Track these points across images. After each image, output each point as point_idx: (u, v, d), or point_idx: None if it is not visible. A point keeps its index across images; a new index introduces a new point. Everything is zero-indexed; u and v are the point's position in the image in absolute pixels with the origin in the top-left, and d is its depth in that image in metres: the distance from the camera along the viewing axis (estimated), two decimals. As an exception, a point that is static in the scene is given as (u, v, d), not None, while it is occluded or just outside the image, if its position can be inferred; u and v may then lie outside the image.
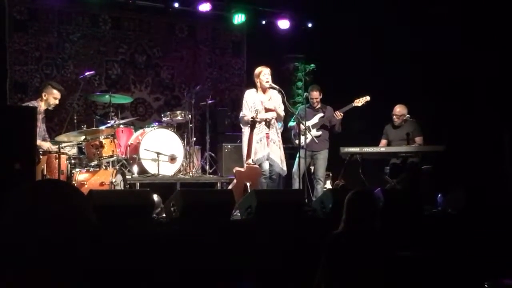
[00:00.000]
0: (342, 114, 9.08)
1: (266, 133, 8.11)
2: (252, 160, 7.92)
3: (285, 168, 8.29)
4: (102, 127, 8.53)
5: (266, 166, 8.11)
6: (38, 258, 1.65)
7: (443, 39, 9.58)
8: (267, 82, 8.15)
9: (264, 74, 8.18)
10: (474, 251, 6.21)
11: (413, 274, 5.26)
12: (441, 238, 6.46)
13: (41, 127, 7.87)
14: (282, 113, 8.32)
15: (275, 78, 8.42)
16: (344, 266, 4.01)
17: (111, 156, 8.06)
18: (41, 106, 7.95)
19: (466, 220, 6.85)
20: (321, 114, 9.18)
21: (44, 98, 8.01)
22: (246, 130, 8.08)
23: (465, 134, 9.22)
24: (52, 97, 8.03)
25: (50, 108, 8.15)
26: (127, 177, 8.18)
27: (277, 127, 8.33)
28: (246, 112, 8.08)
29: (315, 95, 9.22)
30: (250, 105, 8.11)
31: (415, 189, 8.46)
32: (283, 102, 8.24)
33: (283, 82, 8.62)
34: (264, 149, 8.07)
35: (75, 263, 1.72)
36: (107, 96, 9.12)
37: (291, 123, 9.09)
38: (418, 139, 9.13)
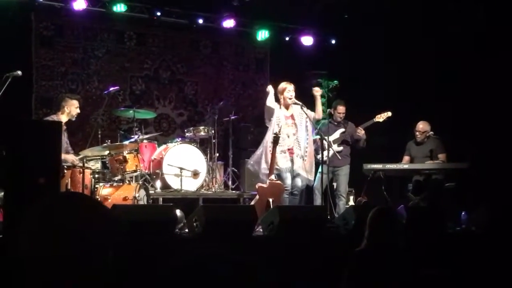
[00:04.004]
0: (363, 130, 9.05)
1: (288, 147, 8.12)
2: (275, 176, 7.92)
3: (311, 178, 8.30)
4: (126, 142, 8.58)
5: (288, 181, 8.10)
6: (62, 269, 1.67)
7: (468, 56, 9.53)
8: (290, 99, 8.18)
9: (288, 90, 8.21)
10: (498, 270, 6.15)
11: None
12: (464, 257, 6.40)
13: (63, 140, 7.94)
14: (312, 113, 8.36)
15: (298, 94, 8.43)
16: (367, 283, 3.99)
17: (135, 171, 8.11)
18: (62, 119, 8.03)
19: (490, 239, 6.78)
20: (343, 130, 9.15)
21: (67, 110, 8.10)
22: (267, 139, 8.09)
23: (489, 151, 9.14)
24: (74, 107, 8.14)
25: (73, 119, 8.24)
26: (150, 192, 8.21)
27: (306, 137, 8.31)
28: (271, 104, 8.13)
29: (342, 109, 9.20)
30: (274, 111, 8.13)
31: (438, 207, 8.39)
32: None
33: (306, 98, 8.61)
34: (287, 161, 8.08)
35: (98, 274, 1.74)
36: (131, 111, 9.19)
37: (313, 138, 9.07)
38: (442, 156, 9.07)
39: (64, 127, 8.16)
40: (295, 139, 8.20)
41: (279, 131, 7.94)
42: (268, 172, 7.94)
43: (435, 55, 9.95)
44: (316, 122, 8.52)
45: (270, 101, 8.15)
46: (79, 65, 10.49)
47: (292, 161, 8.13)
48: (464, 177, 8.69)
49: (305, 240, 6.11)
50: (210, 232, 5.76)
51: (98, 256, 1.71)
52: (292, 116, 8.27)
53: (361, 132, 9.05)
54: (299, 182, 8.19)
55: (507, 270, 6.10)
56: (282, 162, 8.06)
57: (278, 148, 8.01)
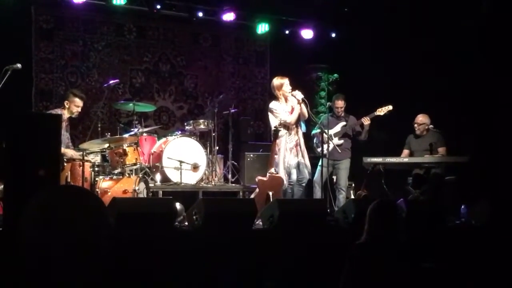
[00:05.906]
0: (369, 120, 9.00)
1: (296, 141, 8.12)
2: (275, 169, 7.91)
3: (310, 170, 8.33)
4: (126, 135, 8.57)
5: (294, 176, 8.09)
6: (61, 257, 1.68)
7: (467, 50, 9.52)
8: (289, 91, 8.16)
9: (286, 85, 8.19)
10: (497, 264, 6.16)
11: (436, 286, 5.23)
12: (464, 250, 6.41)
13: (64, 135, 7.92)
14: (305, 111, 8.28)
15: (298, 88, 8.41)
16: (366, 276, 4.00)
17: (135, 164, 8.10)
18: (65, 114, 8.03)
19: (490, 232, 6.79)
20: (344, 123, 9.15)
21: (67, 106, 8.10)
22: (278, 140, 8.04)
23: (489, 144, 9.14)
24: (74, 105, 8.10)
25: (73, 116, 8.23)
26: (150, 185, 8.21)
27: (302, 131, 8.32)
28: (284, 117, 8.07)
29: (340, 103, 9.19)
30: (281, 112, 8.10)
31: (438, 200, 8.39)
32: (307, 112, 8.21)
33: (306, 91, 8.59)
34: (294, 157, 8.07)
35: (96, 263, 1.75)
36: (131, 105, 9.18)
37: (314, 131, 9.07)
38: (441, 150, 9.05)
39: (66, 123, 8.15)
40: (297, 131, 8.20)
41: (279, 125, 7.92)
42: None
43: (436, 48, 9.92)
44: (316, 116, 8.50)
45: (282, 115, 8.11)
46: (79, 58, 10.48)
47: (297, 154, 8.13)
48: (464, 171, 8.69)
49: (305, 233, 6.11)
50: (209, 225, 5.76)
51: (93, 246, 1.72)
52: (292, 109, 8.24)
53: (366, 121, 8.98)
54: (306, 173, 8.17)
55: (507, 263, 6.11)
56: (291, 158, 8.07)
57: (287, 145, 8.03)
